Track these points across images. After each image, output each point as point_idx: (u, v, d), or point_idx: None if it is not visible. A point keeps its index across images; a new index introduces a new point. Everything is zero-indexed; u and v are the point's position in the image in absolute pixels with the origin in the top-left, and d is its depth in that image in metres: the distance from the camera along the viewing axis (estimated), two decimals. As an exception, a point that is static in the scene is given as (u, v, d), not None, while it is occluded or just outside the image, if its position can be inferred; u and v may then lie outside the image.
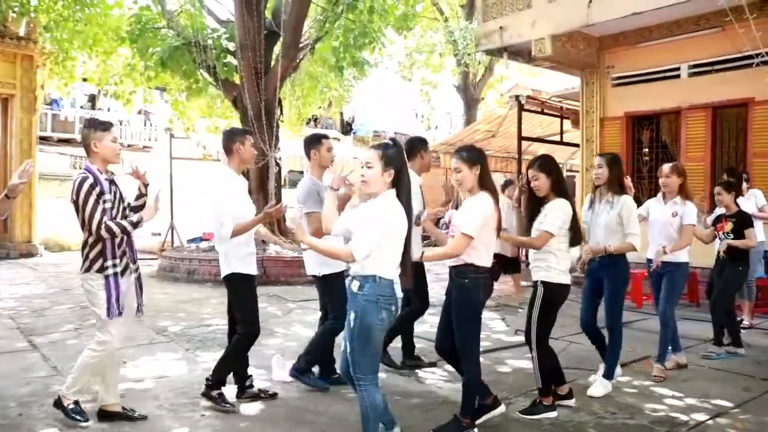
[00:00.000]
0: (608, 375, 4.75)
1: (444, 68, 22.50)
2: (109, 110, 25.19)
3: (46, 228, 16.06)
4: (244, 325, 4.38)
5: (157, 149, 18.80)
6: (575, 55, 9.86)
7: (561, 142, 13.65)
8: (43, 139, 19.82)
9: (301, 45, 12.09)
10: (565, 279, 4.25)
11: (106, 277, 3.89)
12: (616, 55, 10.06)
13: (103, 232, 3.79)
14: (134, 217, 3.98)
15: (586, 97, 10.49)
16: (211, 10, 13.34)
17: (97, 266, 3.88)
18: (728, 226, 5.80)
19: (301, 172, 23.37)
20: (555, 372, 4.31)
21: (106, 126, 4.00)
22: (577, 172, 11.98)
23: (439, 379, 5.09)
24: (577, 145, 11.01)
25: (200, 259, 11.15)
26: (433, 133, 28.14)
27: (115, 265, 3.91)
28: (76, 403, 4.02)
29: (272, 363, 5.10)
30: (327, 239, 3.74)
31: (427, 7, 20.86)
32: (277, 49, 12.12)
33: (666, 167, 5.30)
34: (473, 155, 3.91)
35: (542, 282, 4.22)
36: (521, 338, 6.34)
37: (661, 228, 5.22)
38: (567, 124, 13.54)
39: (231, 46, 12.08)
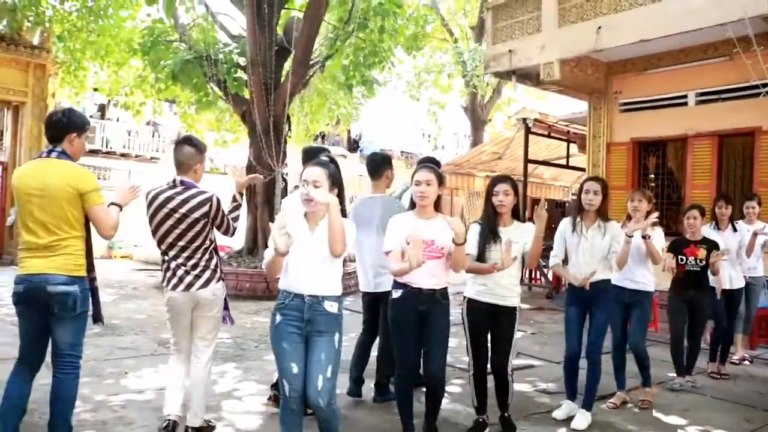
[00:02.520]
0: (588, 406, 4.63)
1: (452, 89, 22.62)
2: (118, 120, 25.37)
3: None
4: None
5: (165, 160, 18.90)
6: (583, 79, 9.95)
7: (567, 166, 13.70)
8: (52, 148, 19.94)
9: (311, 62, 12.20)
10: None
11: (224, 287, 4.09)
12: (624, 81, 10.13)
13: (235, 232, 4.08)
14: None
15: (593, 121, 10.55)
16: (223, 25, 13.48)
17: (220, 274, 4.03)
18: (701, 252, 5.62)
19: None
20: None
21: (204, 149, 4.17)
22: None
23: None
24: (583, 170, 11.05)
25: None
26: (440, 153, 28.23)
27: None
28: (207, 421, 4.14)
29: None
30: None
31: (436, 28, 21.05)
32: (288, 65, 12.24)
33: (637, 193, 5.23)
34: (443, 176, 3.94)
35: (517, 308, 4.21)
36: (523, 361, 6.36)
37: (633, 253, 4.99)
38: (573, 148, 13.59)
39: (242, 61, 12.20)
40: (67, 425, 3.52)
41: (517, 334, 4.40)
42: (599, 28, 8.72)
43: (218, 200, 3.96)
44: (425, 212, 3.86)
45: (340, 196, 3.30)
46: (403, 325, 3.85)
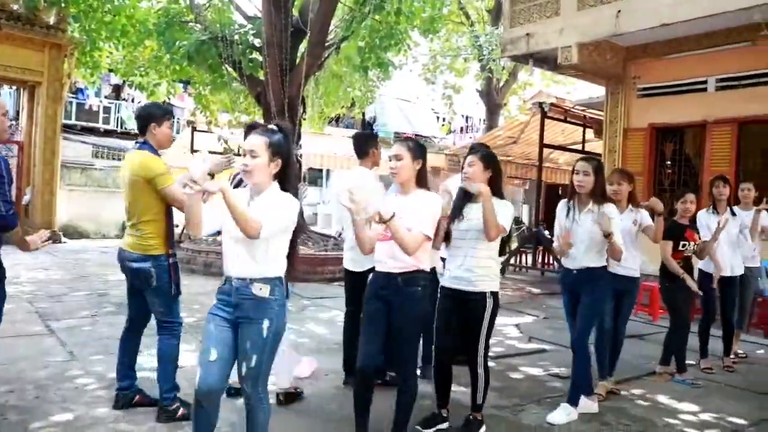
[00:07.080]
0: (573, 401, 4.35)
1: (467, 73, 22.45)
2: (133, 101, 25.42)
3: (67, 216, 16.22)
4: None
5: (179, 141, 18.95)
6: (601, 64, 9.82)
7: (582, 152, 13.56)
8: (68, 128, 20.01)
9: (326, 44, 12.13)
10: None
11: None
12: (643, 66, 9.99)
13: None
14: None
15: (610, 107, 10.43)
16: (239, 5, 13.46)
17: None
18: (697, 236, 5.52)
19: (320, 170, 23.43)
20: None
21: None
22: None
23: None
24: (599, 155, 10.93)
25: (217, 252, 11.17)
26: (454, 137, 28.10)
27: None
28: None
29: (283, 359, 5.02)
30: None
31: (453, 11, 20.84)
32: (303, 47, 12.17)
33: (616, 174, 4.96)
34: (419, 149, 3.56)
35: (492, 293, 3.84)
36: (535, 345, 6.35)
37: (624, 237, 4.74)
38: (590, 133, 13.47)
39: (257, 42, 12.16)
40: (169, 382, 3.95)
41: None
42: (619, 11, 8.58)
43: None
44: (402, 188, 3.58)
45: (286, 170, 3.00)
46: (367, 308, 3.57)
